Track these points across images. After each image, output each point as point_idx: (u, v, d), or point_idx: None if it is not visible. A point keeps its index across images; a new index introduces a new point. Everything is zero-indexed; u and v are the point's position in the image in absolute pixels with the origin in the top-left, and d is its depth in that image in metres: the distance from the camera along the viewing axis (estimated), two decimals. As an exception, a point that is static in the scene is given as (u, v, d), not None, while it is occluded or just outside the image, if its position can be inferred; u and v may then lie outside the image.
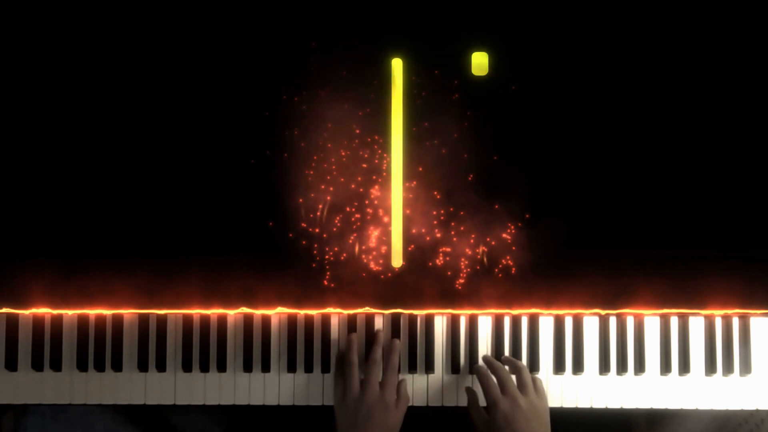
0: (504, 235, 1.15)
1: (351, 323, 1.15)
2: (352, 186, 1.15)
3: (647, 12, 1.16)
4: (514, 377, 1.09)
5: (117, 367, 1.14)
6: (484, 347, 1.15)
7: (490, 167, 1.15)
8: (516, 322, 1.15)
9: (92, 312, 1.14)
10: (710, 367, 1.14)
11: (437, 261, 1.15)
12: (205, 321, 1.14)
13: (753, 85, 1.16)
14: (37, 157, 1.15)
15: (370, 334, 1.14)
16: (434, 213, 1.15)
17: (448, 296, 1.14)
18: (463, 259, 1.15)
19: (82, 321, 1.14)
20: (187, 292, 1.14)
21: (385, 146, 1.16)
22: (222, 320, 1.14)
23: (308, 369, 1.14)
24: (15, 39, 1.16)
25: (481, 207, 1.15)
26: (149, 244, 1.14)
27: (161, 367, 1.14)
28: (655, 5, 1.16)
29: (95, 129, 1.15)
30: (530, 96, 1.16)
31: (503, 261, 1.15)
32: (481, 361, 1.14)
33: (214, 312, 1.14)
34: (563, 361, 1.15)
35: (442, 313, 1.15)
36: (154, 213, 1.15)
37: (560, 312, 1.15)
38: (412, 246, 1.15)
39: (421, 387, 1.15)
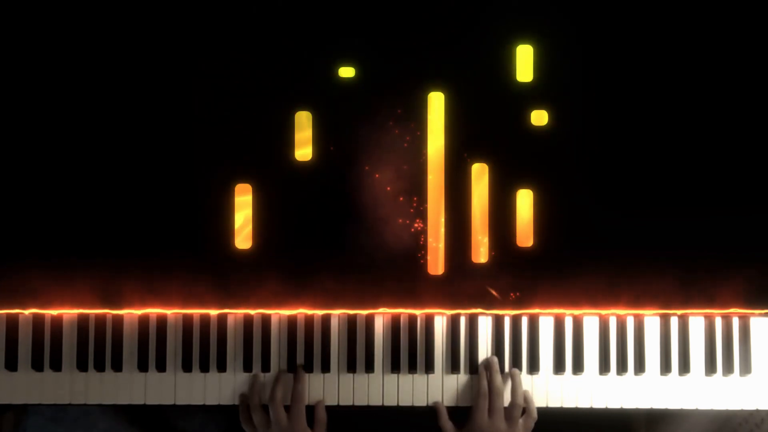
0: (504, 235, 1.15)
1: (351, 323, 1.15)
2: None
3: (655, 17, 1.16)
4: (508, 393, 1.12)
5: (117, 367, 1.14)
6: (484, 347, 1.15)
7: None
8: (516, 322, 1.15)
9: (92, 312, 1.14)
10: (710, 367, 1.14)
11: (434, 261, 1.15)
12: (205, 321, 1.14)
13: (750, 85, 1.16)
14: (35, 159, 1.15)
15: (370, 336, 1.15)
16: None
17: (448, 296, 1.15)
18: (464, 260, 1.15)
19: (83, 321, 1.14)
20: (187, 292, 1.14)
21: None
22: (222, 320, 1.14)
23: (308, 369, 1.14)
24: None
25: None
26: (148, 245, 1.15)
27: (161, 367, 1.14)
28: (645, 7, 1.16)
29: (95, 129, 1.15)
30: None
31: (504, 261, 1.15)
32: (484, 359, 1.14)
33: (214, 312, 1.15)
34: (563, 361, 1.15)
35: (443, 313, 1.15)
36: (153, 214, 1.15)
37: (560, 312, 1.15)
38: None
39: (421, 387, 1.15)
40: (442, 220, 1.14)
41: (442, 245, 1.14)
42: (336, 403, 1.14)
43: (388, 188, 1.15)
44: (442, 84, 1.15)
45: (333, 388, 1.14)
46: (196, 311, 1.14)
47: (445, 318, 1.15)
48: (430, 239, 1.14)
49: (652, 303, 1.14)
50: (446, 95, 1.15)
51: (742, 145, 1.15)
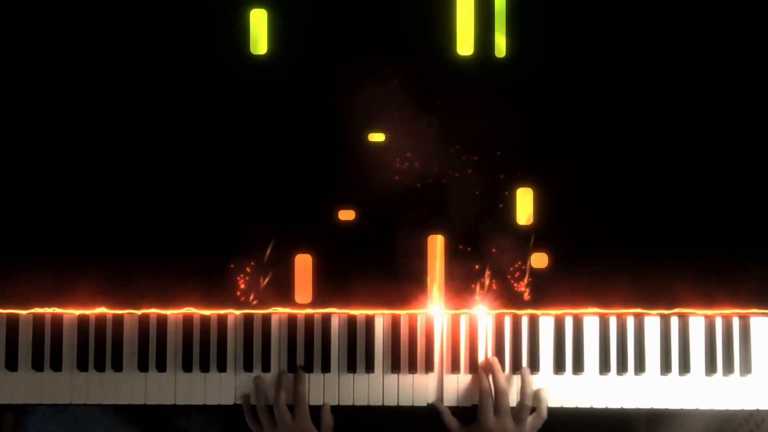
0: (505, 236, 1.15)
1: (351, 323, 1.15)
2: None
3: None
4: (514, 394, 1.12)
5: (117, 367, 1.14)
6: (484, 347, 1.15)
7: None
8: (516, 322, 1.15)
9: (92, 312, 1.14)
10: (710, 367, 1.14)
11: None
12: (205, 321, 1.14)
13: (749, 86, 1.16)
14: (36, 159, 1.15)
15: (370, 336, 1.15)
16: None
17: (450, 297, 1.15)
18: (467, 261, 1.15)
19: (82, 321, 1.14)
20: (187, 292, 1.14)
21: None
22: (222, 320, 1.14)
23: (308, 369, 1.14)
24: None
25: (485, 212, 1.16)
26: (147, 245, 1.15)
27: (161, 367, 1.14)
28: (655, 7, 1.16)
29: (96, 128, 1.16)
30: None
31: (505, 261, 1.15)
32: (483, 360, 1.14)
33: (214, 312, 1.15)
34: (563, 361, 1.15)
35: (443, 313, 1.15)
36: (154, 214, 1.15)
37: (560, 312, 1.15)
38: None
39: (421, 387, 1.15)
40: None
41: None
42: (336, 403, 1.14)
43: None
44: (442, 227, 1.15)
45: (333, 388, 1.14)
46: (196, 311, 1.14)
47: (445, 318, 1.15)
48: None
49: (652, 303, 1.14)
50: (446, 238, 1.15)
51: (741, 146, 1.15)
